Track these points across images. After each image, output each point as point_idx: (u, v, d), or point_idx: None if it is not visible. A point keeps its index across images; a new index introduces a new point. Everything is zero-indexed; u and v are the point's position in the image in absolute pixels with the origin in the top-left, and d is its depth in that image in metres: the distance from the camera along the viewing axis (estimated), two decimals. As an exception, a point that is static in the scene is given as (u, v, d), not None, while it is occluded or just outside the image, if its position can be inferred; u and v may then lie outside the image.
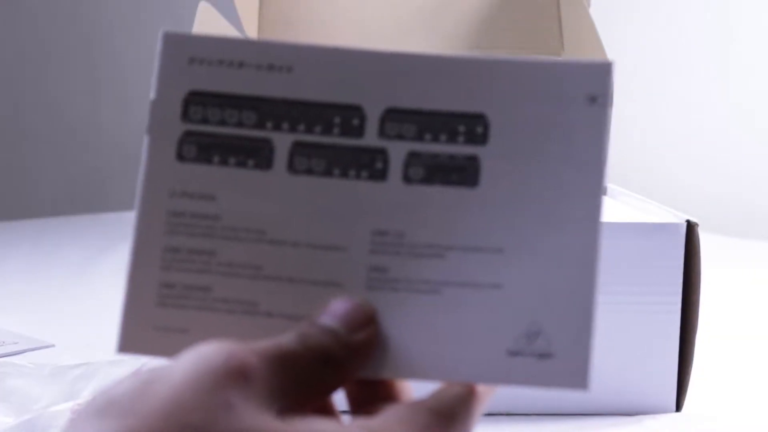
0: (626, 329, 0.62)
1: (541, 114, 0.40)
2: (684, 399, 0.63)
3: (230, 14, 0.96)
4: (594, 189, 0.39)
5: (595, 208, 0.39)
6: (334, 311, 0.39)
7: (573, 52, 0.95)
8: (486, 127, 0.40)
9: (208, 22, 0.88)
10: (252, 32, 1.00)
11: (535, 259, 0.39)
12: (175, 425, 0.34)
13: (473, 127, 0.40)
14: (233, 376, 0.35)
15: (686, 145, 1.45)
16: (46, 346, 0.80)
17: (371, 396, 0.40)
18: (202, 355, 0.36)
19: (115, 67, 1.79)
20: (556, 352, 0.38)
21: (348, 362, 0.38)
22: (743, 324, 0.85)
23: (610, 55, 0.84)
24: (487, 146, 0.40)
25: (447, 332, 0.39)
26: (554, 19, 0.98)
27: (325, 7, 1.01)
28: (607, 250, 0.60)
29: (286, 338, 0.38)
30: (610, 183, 0.88)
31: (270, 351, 0.37)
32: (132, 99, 1.75)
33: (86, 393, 0.65)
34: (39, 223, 1.40)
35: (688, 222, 0.61)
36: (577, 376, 0.38)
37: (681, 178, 1.44)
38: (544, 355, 0.38)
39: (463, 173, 0.40)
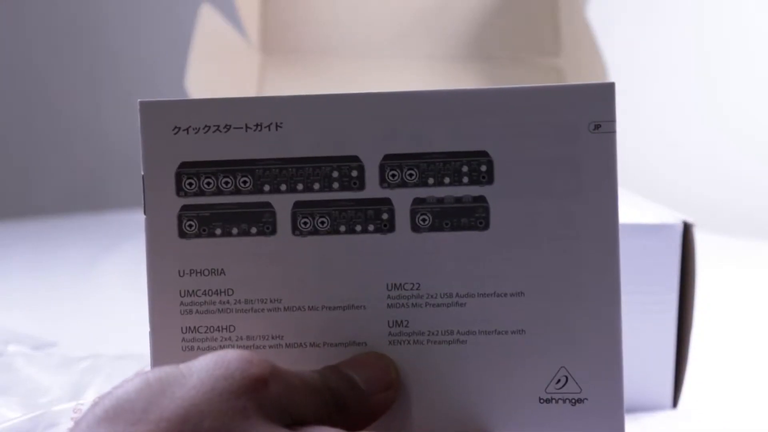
0: (623, 328, 0.62)
1: (545, 146, 0.38)
2: (680, 396, 0.63)
3: (231, 15, 0.97)
4: (608, 221, 0.38)
5: (612, 242, 0.38)
6: (359, 366, 0.38)
7: (570, 54, 0.95)
8: (490, 164, 0.38)
9: (210, 24, 0.89)
10: (254, 33, 1.00)
11: (555, 300, 0.38)
12: (189, 431, 0.33)
13: (477, 165, 0.38)
14: (250, 383, 0.35)
15: (684, 145, 1.45)
16: (49, 345, 0.79)
17: None
18: (220, 360, 0.35)
19: (115, 67, 1.79)
20: (588, 396, 0.38)
21: (360, 416, 0.37)
22: (740, 323, 0.86)
23: (607, 56, 0.85)
24: (494, 185, 0.38)
25: (476, 382, 0.38)
26: (551, 21, 0.99)
27: (325, 8, 1.02)
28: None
29: (308, 372, 0.37)
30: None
31: (289, 373, 0.36)
32: (132, 99, 1.75)
33: (92, 389, 0.65)
34: (41, 221, 1.40)
35: (685, 222, 0.62)
36: (613, 419, 0.38)
37: (679, 177, 1.44)
38: (576, 401, 0.38)
39: (472, 216, 0.38)
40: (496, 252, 0.38)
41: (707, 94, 1.44)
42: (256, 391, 0.35)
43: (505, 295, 0.38)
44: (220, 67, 0.91)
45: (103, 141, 1.79)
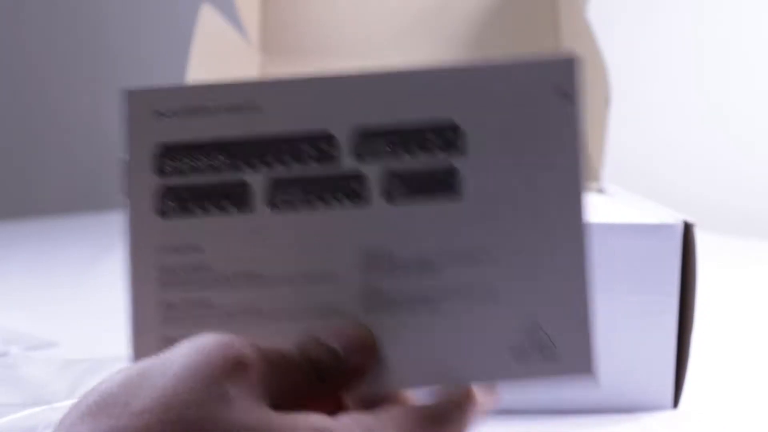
0: (623, 328, 0.62)
1: (513, 116, 0.40)
2: (681, 396, 0.63)
3: (232, 15, 0.97)
4: (572, 188, 0.40)
5: (576, 206, 0.40)
6: (336, 333, 0.39)
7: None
8: (459, 134, 0.40)
9: (210, 24, 0.89)
10: (254, 33, 1.00)
11: (526, 262, 0.40)
12: (172, 421, 0.34)
13: (446, 136, 0.40)
14: (231, 367, 0.35)
15: (684, 145, 1.45)
16: (51, 345, 0.80)
17: (373, 397, 0.40)
18: (200, 346, 0.36)
19: (115, 67, 1.79)
20: (558, 343, 0.39)
21: (342, 381, 0.38)
22: (740, 323, 0.86)
23: (607, 55, 0.85)
24: (465, 155, 0.40)
25: (449, 343, 0.40)
26: (551, 20, 0.99)
27: (325, 8, 1.02)
28: (604, 251, 0.61)
29: (286, 346, 0.38)
30: (608, 183, 0.88)
31: (269, 351, 0.37)
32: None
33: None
34: (42, 221, 1.40)
35: (685, 222, 0.62)
36: (583, 363, 0.39)
37: (679, 177, 1.44)
38: (546, 348, 0.39)
39: (444, 185, 0.40)
40: (469, 219, 0.40)
41: (707, 94, 1.44)
42: (237, 374, 0.35)
43: (478, 259, 0.40)
44: (220, 67, 0.91)
45: (103, 141, 1.79)
